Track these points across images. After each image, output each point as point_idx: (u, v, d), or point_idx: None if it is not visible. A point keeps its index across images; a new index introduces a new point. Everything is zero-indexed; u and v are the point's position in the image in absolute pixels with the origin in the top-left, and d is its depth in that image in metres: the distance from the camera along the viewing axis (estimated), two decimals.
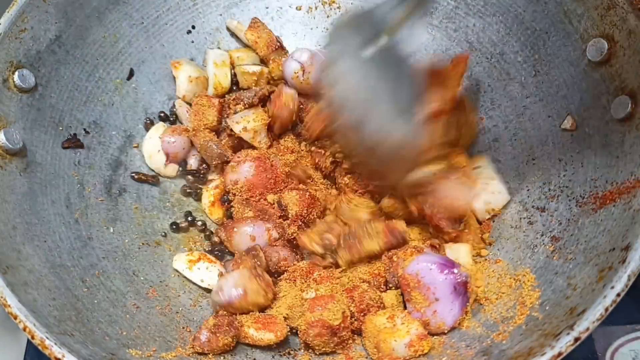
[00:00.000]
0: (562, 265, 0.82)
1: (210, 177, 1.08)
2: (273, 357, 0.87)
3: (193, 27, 1.13)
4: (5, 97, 0.89)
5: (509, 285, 0.87)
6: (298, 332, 0.87)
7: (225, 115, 1.07)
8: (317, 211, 0.99)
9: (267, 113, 1.05)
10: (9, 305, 0.71)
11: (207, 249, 1.02)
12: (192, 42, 1.14)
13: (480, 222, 0.97)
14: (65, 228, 0.92)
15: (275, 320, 0.87)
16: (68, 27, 0.98)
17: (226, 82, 1.11)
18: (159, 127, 1.08)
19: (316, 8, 1.16)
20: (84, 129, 1.01)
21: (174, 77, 1.12)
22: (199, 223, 1.04)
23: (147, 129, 1.09)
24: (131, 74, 1.08)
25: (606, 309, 0.67)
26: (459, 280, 0.83)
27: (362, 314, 0.86)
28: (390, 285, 0.90)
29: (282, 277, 0.95)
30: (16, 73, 0.90)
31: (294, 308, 0.89)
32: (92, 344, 0.75)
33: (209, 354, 0.84)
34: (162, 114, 1.11)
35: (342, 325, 0.83)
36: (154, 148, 1.06)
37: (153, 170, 1.07)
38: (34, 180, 0.91)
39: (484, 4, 1.04)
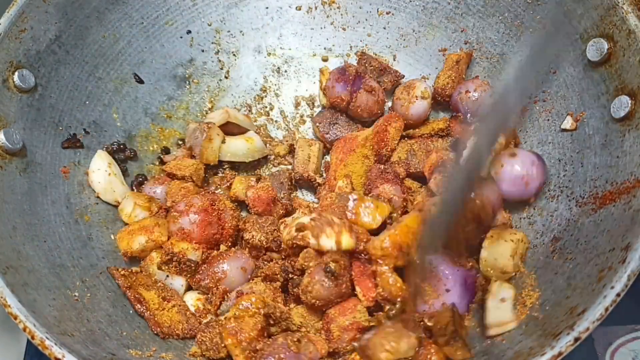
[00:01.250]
0: (562, 265, 0.82)
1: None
2: None
3: (189, 31, 1.13)
4: (5, 97, 0.89)
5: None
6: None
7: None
8: None
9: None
10: (9, 306, 0.71)
11: None
12: (192, 41, 1.14)
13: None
14: (65, 228, 0.92)
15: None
16: (68, 27, 0.98)
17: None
18: (102, 156, 1.00)
19: (316, 8, 1.16)
20: (84, 129, 1.01)
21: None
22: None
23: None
24: (140, 80, 1.09)
25: (606, 309, 0.67)
26: (470, 274, 0.83)
27: None
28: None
29: None
30: (16, 73, 0.90)
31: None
32: (92, 344, 0.75)
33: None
34: (117, 145, 1.04)
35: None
36: (105, 181, 0.98)
37: (109, 203, 0.99)
38: (34, 180, 0.91)
39: (484, 4, 1.04)
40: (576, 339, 0.66)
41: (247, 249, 0.93)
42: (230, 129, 1.09)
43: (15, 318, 0.71)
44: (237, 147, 1.06)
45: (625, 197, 0.78)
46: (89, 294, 0.86)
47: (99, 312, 0.84)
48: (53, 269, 0.84)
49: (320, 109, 1.14)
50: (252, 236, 0.92)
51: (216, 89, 1.16)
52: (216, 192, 1.04)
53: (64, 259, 0.88)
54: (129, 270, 0.91)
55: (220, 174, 1.08)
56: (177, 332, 0.86)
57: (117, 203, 0.99)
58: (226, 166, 1.09)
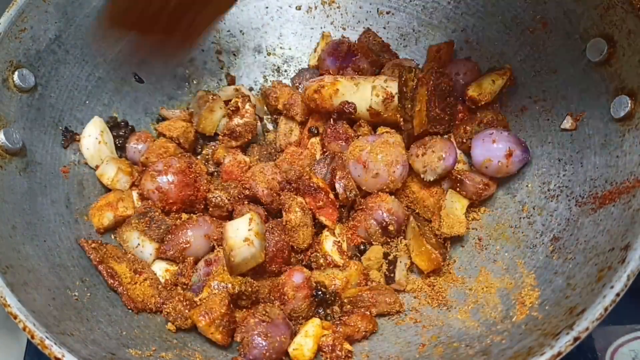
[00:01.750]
0: (561, 265, 0.82)
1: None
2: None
3: None
4: (5, 96, 0.89)
5: (509, 285, 0.87)
6: None
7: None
8: None
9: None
10: (9, 305, 0.71)
11: None
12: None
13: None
14: (65, 228, 0.92)
15: None
16: (68, 27, 0.98)
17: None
18: (97, 123, 1.01)
19: (316, 8, 1.16)
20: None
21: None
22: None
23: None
24: (140, 80, 1.09)
25: (605, 309, 0.67)
26: None
27: None
28: None
29: None
30: (16, 73, 0.90)
31: None
32: (91, 344, 0.75)
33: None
34: (113, 122, 1.06)
35: None
36: (95, 148, 0.99)
37: (94, 169, 1.01)
38: (34, 180, 0.91)
39: (484, 4, 1.04)
40: (575, 339, 0.66)
41: (209, 216, 0.96)
42: None
43: (15, 317, 0.71)
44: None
45: (625, 196, 0.78)
46: (88, 294, 0.86)
47: (99, 312, 0.84)
48: (53, 268, 0.84)
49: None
50: (215, 196, 0.95)
51: (216, 88, 1.16)
52: (201, 161, 1.06)
53: (64, 259, 0.88)
54: (99, 242, 0.92)
55: (212, 146, 1.09)
56: (149, 306, 0.87)
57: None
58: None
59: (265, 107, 1.14)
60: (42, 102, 0.95)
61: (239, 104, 1.05)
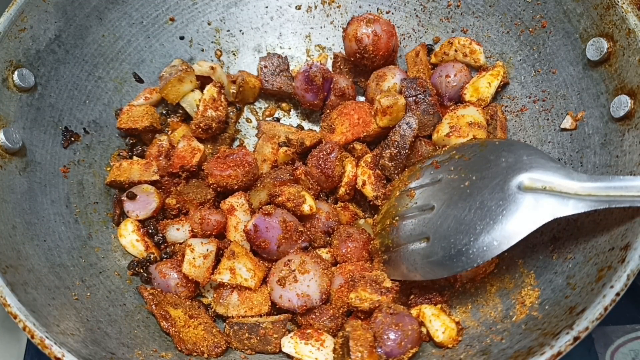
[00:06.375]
0: (561, 264, 0.82)
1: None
2: None
3: (182, 37, 1.13)
4: (5, 96, 0.89)
5: (509, 285, 0.87)
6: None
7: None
8: None
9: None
10: (9, 305, 0.71)
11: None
12: (192, 41, 1.14)
13: None
14: (65, 227, 0.92)
15: None
16: (67, 27, 0.98)
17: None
18: (128, 225, 0.99)
19: (316, 7, 1.16)
20: (84, 129, 1.01)
21: None
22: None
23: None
24: (140, 80, 1.09)
25: (605, 309, 0.67)
26: None
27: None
28: None
29: None
30: (16, 72, 0.90)
31: None
32: (91, 344, 0.75)
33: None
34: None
35: None
36: (130, 243, 0.98)
37: (135, 256, 0.99)
38: (34, 179, 0.91)
39: (484, 3, 1.04)
40: (575, 339, 0.66)
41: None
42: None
43: (15, 317, 0.71)
44: (194, 102, 1.08)
45: None
46: (88, 294, 0.86)
47: (99, 312, 0.84)
48: (53, 268, 0.84)
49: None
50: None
51: None
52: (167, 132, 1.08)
53: (64, 259, 0.88)
54: (158, 290, 0.91)
55: (174, 119, 1.10)
56: (201, 348, 0.86)
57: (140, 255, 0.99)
58: (181, 112, 1.10)
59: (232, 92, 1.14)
60: (42, 102, 0.95)
61: (215, 94, 1.05)
